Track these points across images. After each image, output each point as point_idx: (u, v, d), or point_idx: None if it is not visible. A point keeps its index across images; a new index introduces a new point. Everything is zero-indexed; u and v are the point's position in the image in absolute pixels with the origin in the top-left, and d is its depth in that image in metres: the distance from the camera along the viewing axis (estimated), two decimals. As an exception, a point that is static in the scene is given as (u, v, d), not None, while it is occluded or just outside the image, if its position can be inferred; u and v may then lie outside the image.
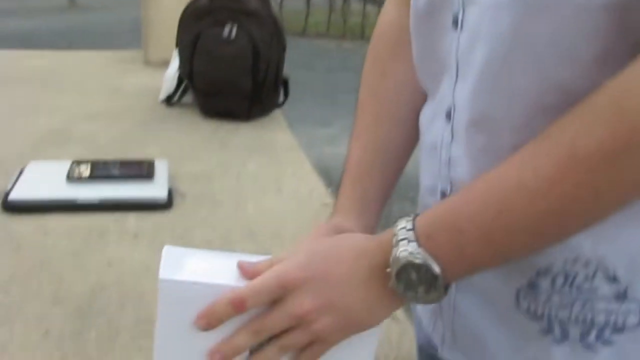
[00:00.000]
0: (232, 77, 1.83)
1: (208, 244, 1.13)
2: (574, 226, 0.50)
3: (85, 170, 1.35)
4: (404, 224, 0.55)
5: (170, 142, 1.67)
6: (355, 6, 8.93)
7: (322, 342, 0.56)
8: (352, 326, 0.56)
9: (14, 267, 1.04)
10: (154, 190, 1.30)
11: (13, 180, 1.30)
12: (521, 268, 0.58)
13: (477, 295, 0.63)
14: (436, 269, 0.52)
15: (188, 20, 1.87)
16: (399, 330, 0.92)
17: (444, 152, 0.62)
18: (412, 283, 0.53)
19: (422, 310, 0.75)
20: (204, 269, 0.58)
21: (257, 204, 1.31)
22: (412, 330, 0.91)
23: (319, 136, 4.30)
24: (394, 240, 0.54)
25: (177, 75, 2.03)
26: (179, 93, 2.04)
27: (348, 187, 0.72)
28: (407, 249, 0.53)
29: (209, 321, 0.55)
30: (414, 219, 0.55)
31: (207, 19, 1.83)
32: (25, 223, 1.18)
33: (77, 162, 1.38)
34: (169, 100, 2.04)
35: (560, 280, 0.57)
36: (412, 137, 0.74)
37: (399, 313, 0.96)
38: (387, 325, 0.92)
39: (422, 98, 0.71)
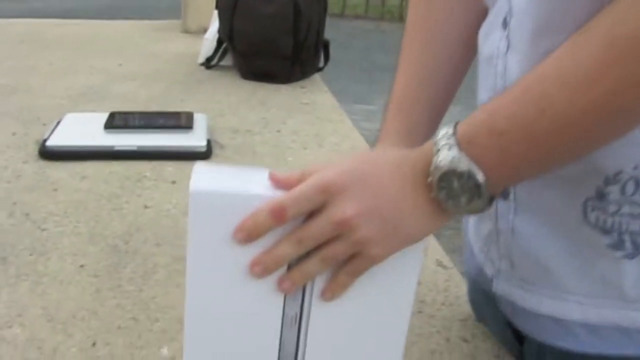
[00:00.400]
0: (272, 37, 1.79)
1: (247, 192, 1.10)
2: (621, 123, 0.47)
3: (123, 120, 1.32)
4: (445, 130, 0.51)
5: (209, 100, 1.64)
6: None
7: (364, 255, 0.51)
8: (396, 236, 0.51)
9: (50, 206, 1.01)
10: (193, 139, 1.27)
11: (50, 130, 1.29)
12: (588, 177, 0.53)
13: (539, 214, 0.58)
14: (479, 175, 0.49)
15: (228, -21, 1.83)
16: (446, 275, 0.88)
17: (500, 63, 0.58)
18: (454, 192, 0.49)
19: (475, 237, 0.70)
20: (237, 182, 0.53)
21: (297, 157, 1.28)
22: (459, 277, 0.87)
23: (357, 112, 4.26)
24: (435, 149, 0.51)
25: (216, 37, 2.00)
26: (218, 55, 2.01)
27: (392, 117, 0.68)
28: (448, 156, 0.49)
29: (248, 234, 0.51)
30: (455, 126, 0.51)
31: (247, -23, 1.80)
32: (62, 169, 1.16)
33: (115, 113, 1.36)
34: (208, 63, 2.01)
35: (630, 188, 0.52)
36: (464, 59, 0.70)
37: (446, 260, 0.92)
38: (434, 272, 0.88)
39: (476, 16, 0.66)
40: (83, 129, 1.30)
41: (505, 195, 0.61)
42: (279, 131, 1.42)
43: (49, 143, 1.22)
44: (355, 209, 0.50)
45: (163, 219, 0.99)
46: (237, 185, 0.52)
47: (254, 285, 0.52)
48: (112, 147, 1.22)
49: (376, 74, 5.49)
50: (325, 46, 1.97)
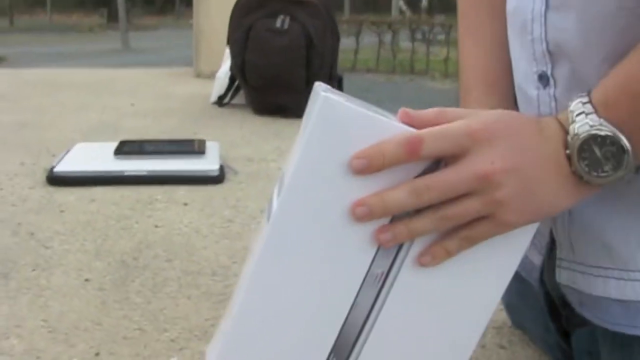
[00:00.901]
0: (285, 70, 1.77)
1: (263, 213, 1.05)
2: None
3: (134, 147, 1.29)
4: (578, 100, 0.47)
5: (222, 133, 1.60)
6: (404, 44, 8.93)
7: (496, 220, 0.45)
8: (534, 204, 0.45)
9: (56, 226, 0.97)
10: (205, 164, 1.23)
11: (59, 158, 1.25)
12: None
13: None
14: (623, 139, 0.45)
15: (239, 15, 1.83)
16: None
17: (536, 27, 0.53)
18: (597, 161, 0.45)
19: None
20: (367, 109, 0.45)
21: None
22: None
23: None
24: (571, 118, 0.46)
25: (228, 75, 1.99)
26: (230, 93, 1.99)
27: (481, 93, 0.63)
28: (586, 122, 0.45)
29: (369, 162, 0.43)
30: (588, 93, 0.47)
31: (259, 11, 1.79)
32: (70, 193, 1.12)
33: (126, 141, 1.33)
34: (220, 101, 1.99)
35: None
36: None
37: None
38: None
39: None
40: (92, 155, 1.26)
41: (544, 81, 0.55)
42: (294, 157, 1.38)
43: (57, 169, 1.18)
44: (502, 163, 0.44)
45: (175, 237, 0.94)
46: (368, 110, 0.45)
47: (348, 228, 0.45)
48: (122, 172, 1.18)
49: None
50: (339, 81, 1.94)
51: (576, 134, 0.45)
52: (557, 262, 0.58)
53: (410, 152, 0.43)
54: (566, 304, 0.59)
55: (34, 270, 0.82)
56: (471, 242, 0.46)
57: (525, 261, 0.62)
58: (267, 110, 1.86)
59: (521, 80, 0.59)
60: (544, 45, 0.53)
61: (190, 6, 2.71)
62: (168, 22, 19.73)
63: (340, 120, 0.43)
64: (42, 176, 1.19)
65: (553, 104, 0.54)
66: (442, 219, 0.44)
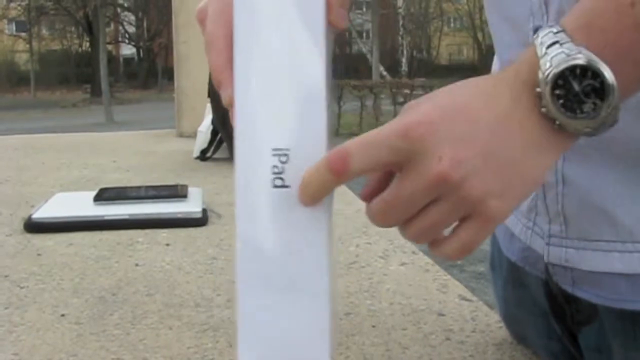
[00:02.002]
0: (267, 119, 1.76)
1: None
2: None
3: (115, 193, 1.26)
4: (546, 30, 0.39)
5: (205, 182, 1.58)
6: (386, 107, 9.06)
7: (481, 215, 0.38)
8: (515, 177, 0.38)
9: (32, 268, 0.93)
10: (187, 207, 1.20)
11: (38, 207, 1.22)
12: None
13: (595, 153, 0.49)
14: (605, 70, 0.37)
15: (221, 66, 1.83)
16: (471, 307, 0.79)
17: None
18: (574, 97, 0.37)
19: (514, 221, 0.61)
20: None
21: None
22: (486, 308, 0.79)
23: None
24: (540, 51, 0.38)
25: (210, 129, 1.98)
26: (213, 147, 1.98)
27: None
28: (562, 51, 0.38)
29: (312, 198, 0.40)
30: (555, 24, 0.40)
31: (240, 61, 1.79)
32: (49, 239, 1.08)
33: (106, 188, 1.30)
34: (203, 155, 1.97)
35: None
36: None
37: (469, 294, 0.83)
38: (458, 304, 0.79)
39: None
40: (72, 203, 1.23)
41: None
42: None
43: (35, 216, 1.15)
44: (452, 155, 0.37)
45: (156, 274, 0.91)
46: None
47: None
48: (102, 216, 1.15)
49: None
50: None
51: (550, 67, 0.37)
52: (546, 240, 0.54)
53: (336, 172, 0.39)
54: (571, 300, 0.55)
55: (6, 308, 0.78)
56: (468, 248, 0.40)
57: (527, 254, 0.59)
58: (250, 161, 1.84)
59: (504, 49, 0.56)
60: None
61: (172, 80, 2.73)
62: (151, 96, 19.98)
63: None
64: (19, 224, 1.16)
65: None
66: (423, 232, 0.40)
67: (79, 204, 1.22)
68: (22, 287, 0.85)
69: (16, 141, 2.53)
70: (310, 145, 0.41)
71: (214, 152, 1.98)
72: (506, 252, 0.64)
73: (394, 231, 1.06)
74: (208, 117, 2.00)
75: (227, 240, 1.06)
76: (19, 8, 24.84)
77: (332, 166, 0.39)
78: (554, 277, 0.55)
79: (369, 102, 8.64)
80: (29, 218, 1.15)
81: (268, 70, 0.42)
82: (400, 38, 24.75)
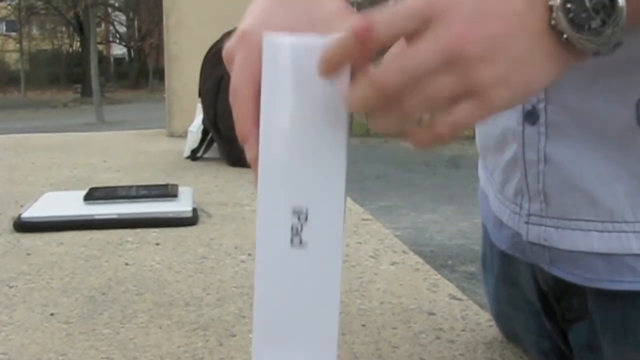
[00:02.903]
0: (258, 118, 1.76)
1: (237, 250, 1.01)
2: None
3: (105, 193, 1.25)
4: None
5: (195, 182, 1.58)
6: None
7: (483, 97, 0.38)
8: (514, 72, 0.39)
9: (22, 267, 0.93)
10: (178, 206, 1.20)
11: (27, 206, 1.21)
12: None
13: (578, 133, 0.50)
14: None
15: (209, 65, 1.83)
16: (462, 306, 0.79)
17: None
18: (584, 13, 0.38)
19: (501, 207, 0.61)
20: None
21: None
22: (476, 307, 0.79)
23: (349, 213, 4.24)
24: None
25: (201, 128, 1.97)
26: (204, 146, 1.97)
27: None
28: None
29: (331, 63, 0.40)
30: None
31: (231, 61, 1.79)
32: (38, 238, 1.07)
33: (96, 187, 1.29)
34: (193, 155, 1.97)
35: None
36: None
37: (459, 294, 0.83)
38: (448, 304, 0.79)
39: None
40: (61, 202, 1.23)
41: (533, 119, 0.53)
42: (269, 200, 1.35)
43: (24, 215, 1.14)
44: (469, 30, 0.38)
45: (146, 273, 0.91)
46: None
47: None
48: (92, 216, 1.15)
49: (366, 182, 5.74)
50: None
51: None
52: (525, 219, 0.55)
53: (362, 39, 0.39)
54: (561, 296, 0.56)
55: (-5, 308, 0.78)
56: (456, 128, 0.40)
57: (517, 240, 0.59)
58: (241, 162, 1.82)
59: None
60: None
61: (163, 80, 2.72)
62: (142, 96, 19.93)
63: (283, 53, 0.43)
64: (9, 224, 1.15)
65: None
66: (418, 104, 0.39)
67: (68, 203, 1.21)
68: (11, 287, 0.85)
69: (6, 141, 2.51)
70: (329, 205, 0.44)
71: (204, 152, 1.97)
72: (496, 241, 0.64)
73: (385, 231, 1.06)
74: (199, 117, 2.00)
75: (217, 240, 1.06)
76: (9, 7, 24.73)
77: (357, 32, 0.39)
78: (532, 256, 0.56)
79: None
80: (19, 217, 1.14)
81: (292, 131, 0.44)
82: None
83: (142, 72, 28.09)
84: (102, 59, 26.79)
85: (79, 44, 26.47)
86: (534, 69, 0.40)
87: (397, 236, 1.09)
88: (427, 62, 0.38)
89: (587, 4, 0.38)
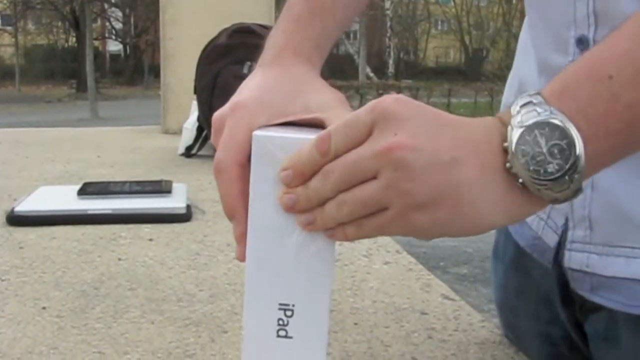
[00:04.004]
0: (253, 116, 1.76)
1: (230, 247, 1.01)
2: None
3: (98, 187, 1.25)
4: (524, 95, 0.39)
5: (189, 179, 1.57)
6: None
7: (399, 212, 0.38)
8: (448, 202, 0.37)
9: (14, 260, 0.92)
10: (171, 202, 1.19)
11: (21, 200, 1.21)
12: None
13: (625, 159, 0.49)
14: (577, 134, 0.37)
15: (205, 62, 1.82)
16: (454, 306, 0.79)
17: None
18: (539, 156, 0.37)
19: None
20: (299, 132, 0.47)
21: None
22: (469, 308, 0.79)
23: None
24: (514, 110, 0.39)
25: (196, 125, 1.97)
26: (198, 144, 1.97)
27: (304, 25, 0.55)
28: (533, 109, 0.38)
29: (293, 171, 0.42)
30: (534, 92, 0.40)
31: (226, 58, 1.78)
32: (31, 232, 1.07)
33: (90, 182, 1.29)
34: (188, 152, 1.96)
35: None
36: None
37: (452, 294, 0.83)
38: (440, 304, 0.79)
39: None
40: (55, 197, 1.22)
41: None
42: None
43: (17, 209, 1.14)
44: (409, 138, 0.37)
45: (139, 268, 0.90)
46: (298, 133, 0.46)
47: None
48: (85, 210, 1.14)
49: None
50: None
51: (519, 122, 0.38)
52: (568, 246, 0.55)
53: (321, 150, 0.40)
54: None
55: (-13, 301, 0.78)
56: (366, 231, 0.40)
57: (537, 242, 0.59)
58: (236, 159, 1.84)
59: (543, 49, 0.56)
60: (591, 5, 0.49)
61: (158, 77, 2.71)
62: (137, 93, 19.88)
63: (271, 150, 0.44)
64: (1, 217, 1.15)
65: None
66: (340, 204, 0.40)
67: (62, 197, 1.21)
68: (3, 280, 0.84)
69: (0, 135, 2.50)
70: (315, 302, 0.45)
71: (199, 149, 1.97)
72: (514, 236, 0.65)
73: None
74: (194, 114, 2.00)
75: (211, 237, 1.06)
76: (5, 2, 24.64)
77: (318, 147, 0.40)
78: (571, 283, 0.56)
79: (355, 103, 8.65)
80: (12, 211, 1.14)
81: (280, 228, 0.44)
82: (387, 40, 24.78)
83: (138, 68, 28.03)
84: (98, 55, 26.72)
85: (74, 39, 26.40)
86: (480, 209, 0.38)
87: (390, 236, 1.09)
88: (361, 166, 0.39)
89: (543, 147, 0.37)
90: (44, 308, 0.76)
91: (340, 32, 0.58)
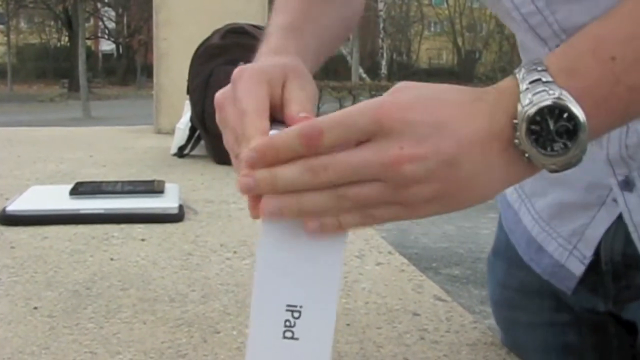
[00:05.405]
0: (246, 117, 1.76)
1: (223, 248, 1.01)
2: None
3: (91, 187, 1.25)
4: (531, 65, 0.41)
5: (182, 179, 1.57)
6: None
7: (407, 207, 0.40)
8: (461, 190, 0.40)
9: (6, 260, 0.92)
10: (164, 202, 1.19)
11: (12, 200, 1.20)
12: None
13: None
14: (582, 114, 0.39)
15: (199, 62, 1.82)
16: (446, 307, 0.79)
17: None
18: (547, 136, 0.39)
19: (545, 236, 0.62)
20: None
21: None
22: (461, 309, 0.79)
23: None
24: (522, 85, 0.40)
25: (189, 125, 1.97)
26: (191, 144, 1.97)
27: (291, 33, 0.58)
28: (544, 89, 0.39)
29: (260, 155, 0.41)
30: (539, 62, 0.41)
31: (219, 58, 1.78)
32: (23, 232, 1.07)
33: (82, 182, 1.29)
34: (180, 152, 1.96)
35: None
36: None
37: (444, 295, 0.83)
38: (433, 305, 0.80)
39: None
40: (47, 196, 1.22)
41: (629, 187, 0.53)
42: (256, 198, 1.35)
43: (9, 208, 1.14)
44: (414, 149, 0.38)
45: (131, 268, 0.90)
46: None
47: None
48: (78, 210, 1.14)
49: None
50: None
51: (530, 103, 0.39)
52: (616, 294, 0.57)
53: (308, 145, 0.40)
54: (619, 277, 0.56)
55: (-22, 300, 0.77)
56: (374, 220, 0.41)
57: (557, 270, 0.61)
58: (229, 160, 1.83)
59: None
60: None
61: (151, 77, 2.71)
62: (129, 92, 19.83)
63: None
64: (-8, 217, 1.14)
65: None
66: (342, 197, 0.40)
67: (54, 197, 1.20)
68: (-6, 280, 0.84)
69: (-9, 134, 2.50)
70: (323, 304, 0.45)
71: (191, 149, 1.97)
72: (528, 261, 0.66)
73: (370, 231, 1.07)
74: (186, 114, 1.99)
75: (203, 237, 1.06)
76: (-3, 0, 24.56)
77: (303, 139, 0.40)
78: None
79: (348, 104, 8.66)
80: (3, 210, 1.13)
81: (290, 231, 0.44)
82: (380, 41, 24.84)
83: (130, 68, 27.96)
84: (90, 55, 26.63)
85: (67, 38, 26.33)
86: (484, 186, 0.41)
87: (382, 237, 1.09)
88: (365, 170, 0.39)
89: (552, 126, 0.39)
90: (35, 308, 0.75)
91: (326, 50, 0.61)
